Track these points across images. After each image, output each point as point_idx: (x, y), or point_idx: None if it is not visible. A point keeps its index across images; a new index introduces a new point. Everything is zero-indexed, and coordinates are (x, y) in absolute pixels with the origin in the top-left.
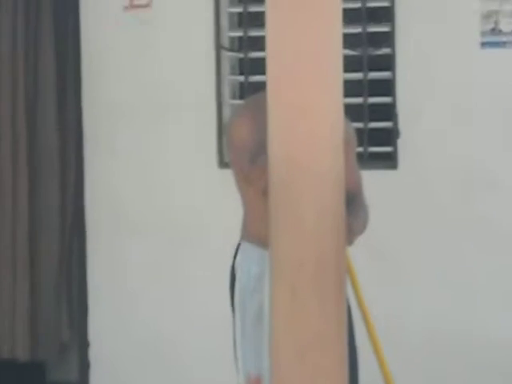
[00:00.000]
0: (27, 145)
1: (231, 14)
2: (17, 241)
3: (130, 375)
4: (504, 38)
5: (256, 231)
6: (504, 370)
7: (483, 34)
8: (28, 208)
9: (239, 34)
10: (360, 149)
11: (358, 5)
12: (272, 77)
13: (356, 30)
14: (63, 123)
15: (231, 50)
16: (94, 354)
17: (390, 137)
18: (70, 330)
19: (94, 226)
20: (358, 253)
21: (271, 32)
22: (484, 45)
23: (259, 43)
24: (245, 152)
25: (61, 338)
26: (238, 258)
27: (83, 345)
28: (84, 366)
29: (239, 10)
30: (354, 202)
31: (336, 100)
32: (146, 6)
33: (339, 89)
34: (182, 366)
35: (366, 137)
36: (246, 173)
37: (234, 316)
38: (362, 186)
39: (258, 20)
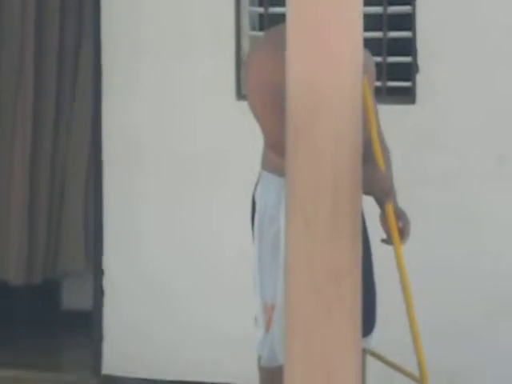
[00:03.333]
0: (34, 76)
1: None
2: (34, 168)
3: (144, 305)
4: None
5: (275, 160)
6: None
7: None
8: (52, 135)
9: None
10: (378, 83)
11: None
12: (292, 6)
13: None
14: (79, 54)
15: None
16: (108, 282)
17: (409, 72)
18: (85, 257)
19: (111, 158)
20: None
21: None
22: None
23: None
24: (264, 85)
25: (76, 264)
26: (258, 187)
27: (98, 273)
28: (98, 294)
29: None
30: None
31: (356, 32)
32: None
33: (359, 21)
34: (195, 298)
35: (385, 71)
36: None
37: (253, 245)
38: (380, 125)
39: None
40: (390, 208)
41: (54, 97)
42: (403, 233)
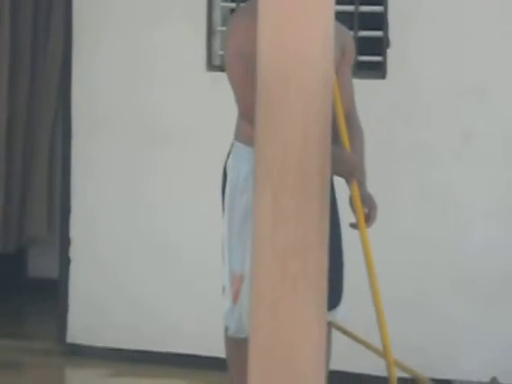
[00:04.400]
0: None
1: None
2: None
3: (111, 272)
4: None
5: (248, 131)
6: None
7: None
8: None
9: None
10: None
11: None
12: None
13: None
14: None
15: None
16: (74, 250)
17: (379, 46)
18: (50, 226)
19: (79, 124)
20: None
21: None
22: None
23: None
24: (241, 54)
25: (38, 232)
26: (230, 158)
27: (64, 241)
28: (64, 263)
29: None
30: (348, 119)
31: (327, 6)
32: None
33: None
34: (166, 263)
35: (356, 45)
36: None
37: (223, 216)
38: (355, 102)
39: None
40: (355, 190)
41: (28, 59)
42: (369, 218)
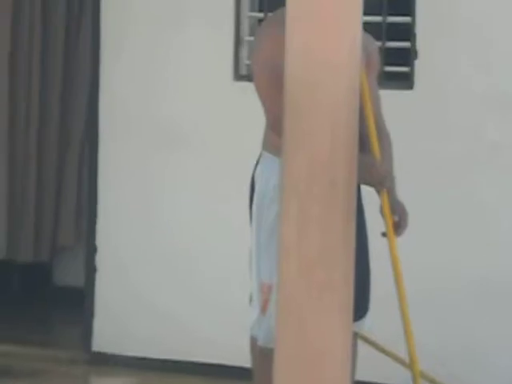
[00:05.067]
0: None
1: None
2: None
3: (137, 281)
4: None
5: (277, 142)
6: None
7: None
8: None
9: None
10: None
11: None
12: None
13: None
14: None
15: None
16: (100, 259)
17: (407, 57)
18: (78, 234)
19: (107, 134)
20: None
21: None
22: None
23: None
24: (270, 65)
25: (65, 241)
26: (258, 168)
27: (90, 250)
28: (90, 271)
29: None
30: (376, 127)
31: (355, 17)
32: None
33: (358, 6)
34: (193, 276)
35: (384, 56)
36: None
37: (251, 226)
38: (381, 109)
39: None
40: (384, 198)
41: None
42: (399, 226)
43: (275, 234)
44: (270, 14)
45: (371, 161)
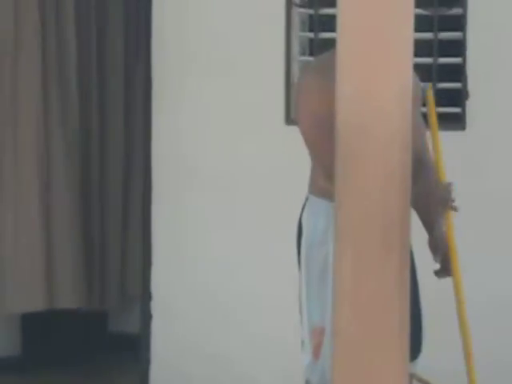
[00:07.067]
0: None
1: None
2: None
3: (192, 328)
4: None
5: (324, 185)
6: None
7: None
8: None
9: None
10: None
11: None
12: (342, 31)
13: None
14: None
15: (302, 5)
16: (156, 306)
17: (458, 98)
18: (134, 282)
19: (159, 181)
20: None
21: None
22: None
23: None
24: (317, 117)
25: (125, 289)
26: (305, 211)
27: (146, 297)
28: (146, 318)
29: None
30: (420, 163)
31: (406, 60)
32: None
33: (409, 49)
34: (246, 320)
35: (435, 97)
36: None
37: (299, 269)
38: (427, 144)
39: None
40: (449, 219)
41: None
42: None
43: (325, 276)
44: (311, 62)
45: (435, 182)
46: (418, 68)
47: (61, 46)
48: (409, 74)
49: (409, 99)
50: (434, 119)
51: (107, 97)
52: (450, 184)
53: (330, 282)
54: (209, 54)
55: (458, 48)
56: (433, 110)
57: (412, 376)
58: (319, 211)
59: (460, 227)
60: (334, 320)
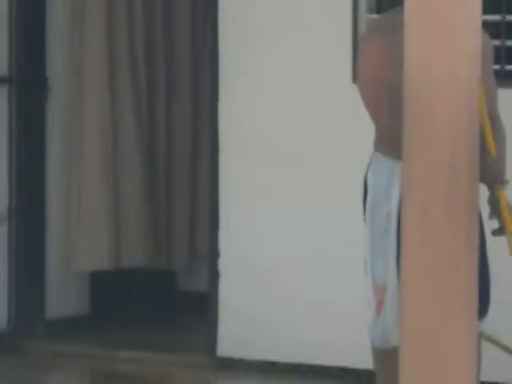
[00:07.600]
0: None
1: None
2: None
3: (259, 287)
4: None
5: (387, 143)
6: None
7: None
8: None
9: None
10: (497, 66)
11: None
12: None
13: None
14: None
15: None
16: (223, 264)
17: None
18: (202, 242)
19: (226, 144)
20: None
21: None
22: None
23: None
24: (375, 81)
25: (194, 249)
26: (370, 169)
27: (213, 255)
28: (214, 276)
29: None
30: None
31: (475, 15)
32: None
33: (478, 5)
34: (311, 287)
35: (504, 54)
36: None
37: (365, 227)
38: (497, 101)
39: None
40: (504, 196)
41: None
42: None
43: (388, 233)
44: (371, 21)
45: (487, 158)
46: (487, 25)
47: (128, 21)
48: (478, 34)
49: (478, 63)
50: (482, 106)
51: (174, 71)
52: (500, 161)
53: (392, 240)
54: (277, 16)
55: None
56: (482, 102)
57: (481, 335)
58: (382, 168)
59: None
60: (402, 279)
